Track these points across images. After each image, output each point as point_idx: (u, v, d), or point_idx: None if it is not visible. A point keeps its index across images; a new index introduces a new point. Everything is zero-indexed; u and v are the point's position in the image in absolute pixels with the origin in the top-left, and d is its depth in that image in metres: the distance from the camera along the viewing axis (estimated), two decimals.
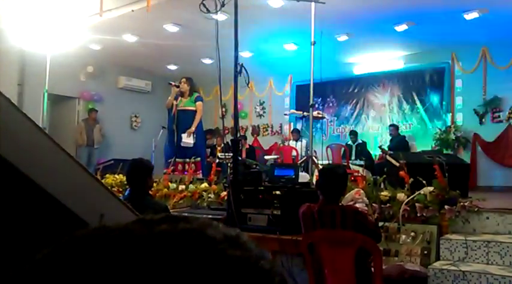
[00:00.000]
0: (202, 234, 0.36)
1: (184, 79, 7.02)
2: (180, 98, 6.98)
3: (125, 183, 6.33)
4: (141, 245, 0.35)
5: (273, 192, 4.17)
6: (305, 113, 7.20)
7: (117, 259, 0.34)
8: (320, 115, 7.98)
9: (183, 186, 5.77)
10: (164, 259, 0.34)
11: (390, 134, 9.60)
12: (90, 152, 10.26)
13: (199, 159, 6.99)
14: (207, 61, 9.98)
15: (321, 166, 6.10)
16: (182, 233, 0.36)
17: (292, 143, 10.00)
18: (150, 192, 3.76)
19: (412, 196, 4.11)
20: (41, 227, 0.82)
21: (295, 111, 8.59)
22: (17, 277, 0.35)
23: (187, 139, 6.85)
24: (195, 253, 0.34)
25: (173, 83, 6.99)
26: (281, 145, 10.58)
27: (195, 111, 6.99)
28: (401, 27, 8.21)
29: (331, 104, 11.26)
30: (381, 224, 3.94)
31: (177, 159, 6.93)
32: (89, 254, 0.34)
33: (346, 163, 8.27)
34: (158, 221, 0.37)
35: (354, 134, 9.70)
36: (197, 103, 6.99)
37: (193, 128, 6.86)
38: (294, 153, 9.02)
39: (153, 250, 0.34)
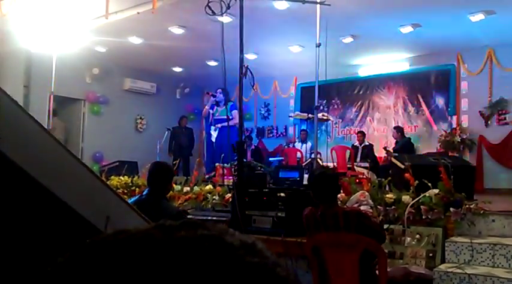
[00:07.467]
0: (221, 240, 0.37)
1: (220, 90, 7.36)
2: (216, 108, 7.20)
3: (130, 184, 6.38)
4: (162, 251, 0.36)
5: (278, 194, 4.17)
6: (310, 115, 7.20)
7: (139, 264, 0.35)
8: (325, 117, 7.95)
9: (188, 188, 5.78)
10: (184, 264, 0.35)
11: (394, 137, 9.57)
12: None
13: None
14: (212, 63, 9.99)
15: None
16: (201, 239, 0.37)
17: (297, 145, 10.00)
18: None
19: (417, 199, 4.09)
20: (48, 228, 0.83)
21: (299, 113, 8.57)
22: (43, 279, 0.36)
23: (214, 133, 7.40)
24: (214, 259, 0.35)
25: (210, 93, 7.25)
26: (286, 147, 10.58)
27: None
28: (407, 29, 8.19)
29: (336, 106, 11.24)
30: (385, 226, 3.93)
31: (217, 164, 7.05)
32: (111, 259, 0.35)
33: (351, 165, 8.26)
34: (177, 227, 0.39)
35: (362, 133, 9.65)
36: (233, 112, 7.13)
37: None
38: (298, 155, 9.02)
39: (173, 255, 0.35)
